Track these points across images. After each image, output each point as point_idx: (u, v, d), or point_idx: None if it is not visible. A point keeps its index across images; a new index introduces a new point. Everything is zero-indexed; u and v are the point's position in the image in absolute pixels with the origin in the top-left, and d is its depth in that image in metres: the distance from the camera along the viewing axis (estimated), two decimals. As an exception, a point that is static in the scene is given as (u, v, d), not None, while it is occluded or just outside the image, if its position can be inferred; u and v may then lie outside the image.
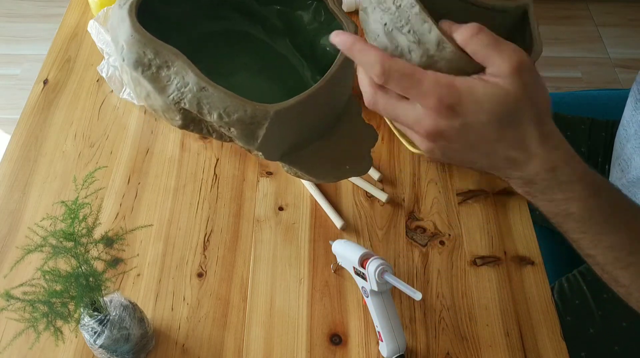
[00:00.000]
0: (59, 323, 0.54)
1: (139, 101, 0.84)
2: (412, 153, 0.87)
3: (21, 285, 0.54)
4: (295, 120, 0.55)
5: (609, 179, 0.89)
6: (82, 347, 0.68)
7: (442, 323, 0.71)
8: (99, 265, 0.58)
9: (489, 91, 0.42)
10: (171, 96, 0.53)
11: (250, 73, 0.69)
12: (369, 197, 0.81)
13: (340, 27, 0.61)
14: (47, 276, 0.54)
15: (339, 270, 0.74)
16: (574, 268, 0.89)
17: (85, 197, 0.77)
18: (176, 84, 0.53)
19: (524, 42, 0.51)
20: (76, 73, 0.96)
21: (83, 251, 0.54)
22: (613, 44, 2.22)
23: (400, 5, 0.43)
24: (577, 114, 1.04)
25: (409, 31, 0.43)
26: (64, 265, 0.54)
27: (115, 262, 0.74)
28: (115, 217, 0.79)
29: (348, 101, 0.62)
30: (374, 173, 0.84)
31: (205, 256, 0.76)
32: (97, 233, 0.56)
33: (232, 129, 0.54)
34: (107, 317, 0.60)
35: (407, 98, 0.44)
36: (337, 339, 0.69)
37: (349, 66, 0.57)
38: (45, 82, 0.95)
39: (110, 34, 0.57)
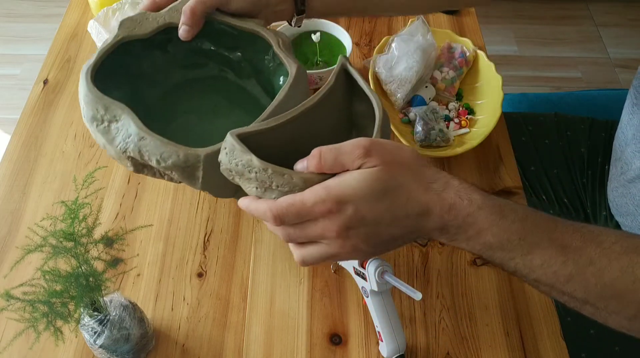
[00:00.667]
0: (59, 323, 0.54)
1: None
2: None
3: (21, 285, 0.54)
4: None
5: (609, 178, 0.89)
6: (82, 347, 0.68)
7: (442, 323, 0.71)
8: (99, 265, 0.58)
9: (356, 175, 0.49)
10: (118, 146, 0.60)
11: (224, 113, 0.75)
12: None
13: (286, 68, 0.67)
14: (47, 276, 0.54)
15: (339, 270, 0.74)
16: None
17: (85, 197, 0.77)
18: (122, 136, 0.60)
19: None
20: (76, 73, 0.96)
21: (83, 251, 0.54)
22: (613, 44, 2.22)
23: (256, 173, 0.50)
24: (577, 114, 1.04)
25: (277, 186, 0.50)
26: (64, 265, 0.54)
27: (115, 262, 0.74)
28: (115, 217, 0.79)
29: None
30: (374, 173, 0.84)
31: (205, 256, 0.76)
32: (97, 233, 0.56)
33: (173, 173, 0.60)
34: (107, 317, 0.60)
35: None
36: (337, 339, 0.69)
37: (282, 109, 0.60)
38: (45, 82, 0.95)
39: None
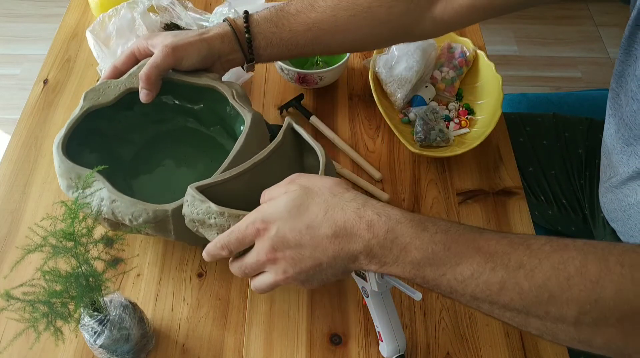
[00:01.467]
0: (59, 323, 0.54)
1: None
2: (412, 152, 0.87)
3: (21, 285, 0.54)
4: None
5: (599, 183, 0.88)
6: (82, 347, 0.68)
7: (442, 323, 0.71)
8: (99, 265, 0.58)
9: (280, 198, 0.55)
10: (95, 210, 0.65)
11: (194, 161, 0.81)
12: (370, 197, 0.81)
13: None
14: (47, 276, 0.54)
15: (338, 270, 0.74)
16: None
17: (85, 197, 0.77)
18: (96, 200, 0.65)
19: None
20: (76, 73, 0.96)
21: (83, 251, 0.54)
22: (613, 44, 2.22)
23: (215, 218, 0.56)
24: (577, 115, 1.04)
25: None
26: (64, 265, 0.54)
27: (115, 262, 0.74)
28: (115, 217, 0.79)
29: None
30: (374, 173, 0.84)
31: (205, 256, 0.75)
32: (97, 233, 0.56)
33: (146, 229, 0.65)
34: (107, 317, 0.60)
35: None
36: (337, 339, 0.69)
37: (242, 156, 0.66)
38: (45, 82, 0.95)
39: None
